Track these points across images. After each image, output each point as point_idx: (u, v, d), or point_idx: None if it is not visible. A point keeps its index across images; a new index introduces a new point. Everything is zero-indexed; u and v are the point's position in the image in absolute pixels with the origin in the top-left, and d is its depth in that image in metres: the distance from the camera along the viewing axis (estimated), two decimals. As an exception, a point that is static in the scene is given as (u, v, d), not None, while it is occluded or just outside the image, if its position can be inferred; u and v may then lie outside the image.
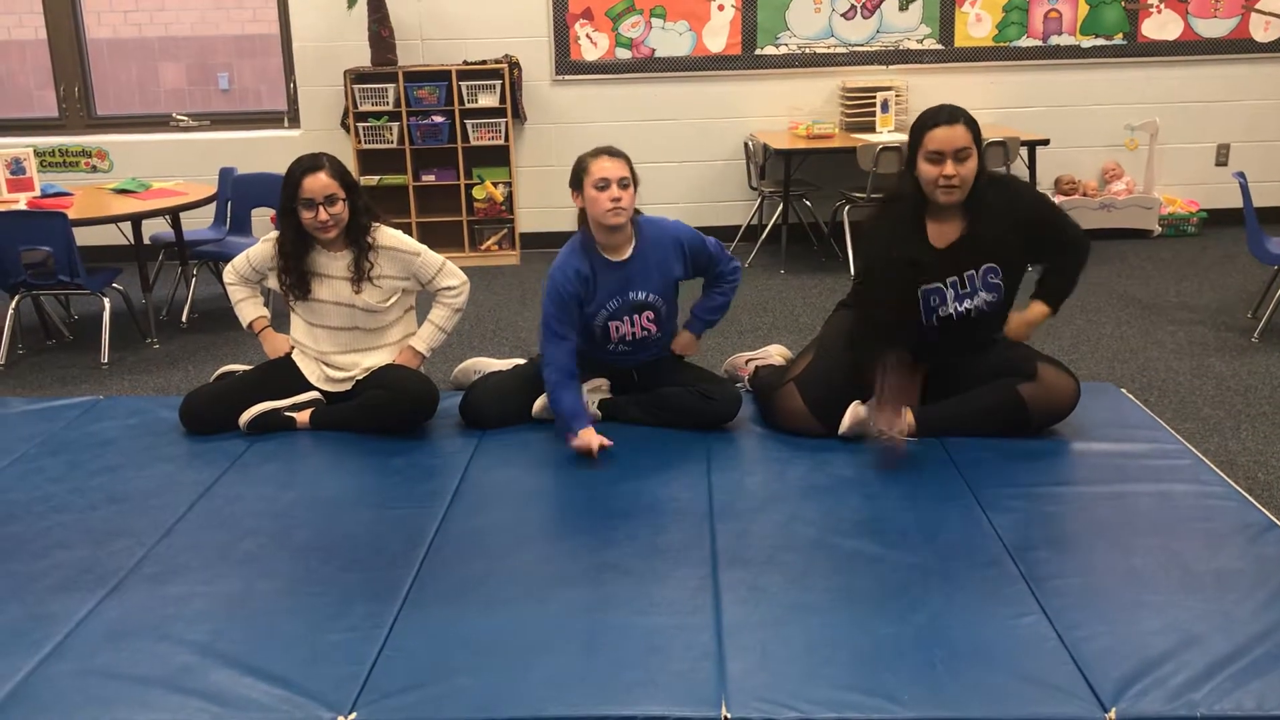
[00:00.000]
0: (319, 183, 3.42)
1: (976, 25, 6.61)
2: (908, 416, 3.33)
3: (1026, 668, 2.21)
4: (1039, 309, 3.42)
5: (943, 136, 3.16)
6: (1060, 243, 3.37)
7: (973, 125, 3.20)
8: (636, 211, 3.50)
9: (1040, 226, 3.32)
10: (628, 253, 3.44)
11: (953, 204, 3.22)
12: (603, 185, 3.33)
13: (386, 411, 3.49)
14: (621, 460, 3.28)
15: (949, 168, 3.16)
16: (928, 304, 3.30)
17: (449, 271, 3.65)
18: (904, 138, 3.50)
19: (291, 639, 2.37)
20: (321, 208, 3.42)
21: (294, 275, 3.55)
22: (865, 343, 3.30)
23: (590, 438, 3.27)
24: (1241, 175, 4.73)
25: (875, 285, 3.32)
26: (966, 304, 3.30)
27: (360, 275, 3.52)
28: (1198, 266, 5.97)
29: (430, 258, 3.62)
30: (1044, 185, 6.64)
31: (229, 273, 3.74)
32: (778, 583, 2.56)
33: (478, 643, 2.34)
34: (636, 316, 3.47)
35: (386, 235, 3.58)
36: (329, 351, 3.62)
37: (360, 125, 6.38)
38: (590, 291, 3.42)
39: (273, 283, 3.65)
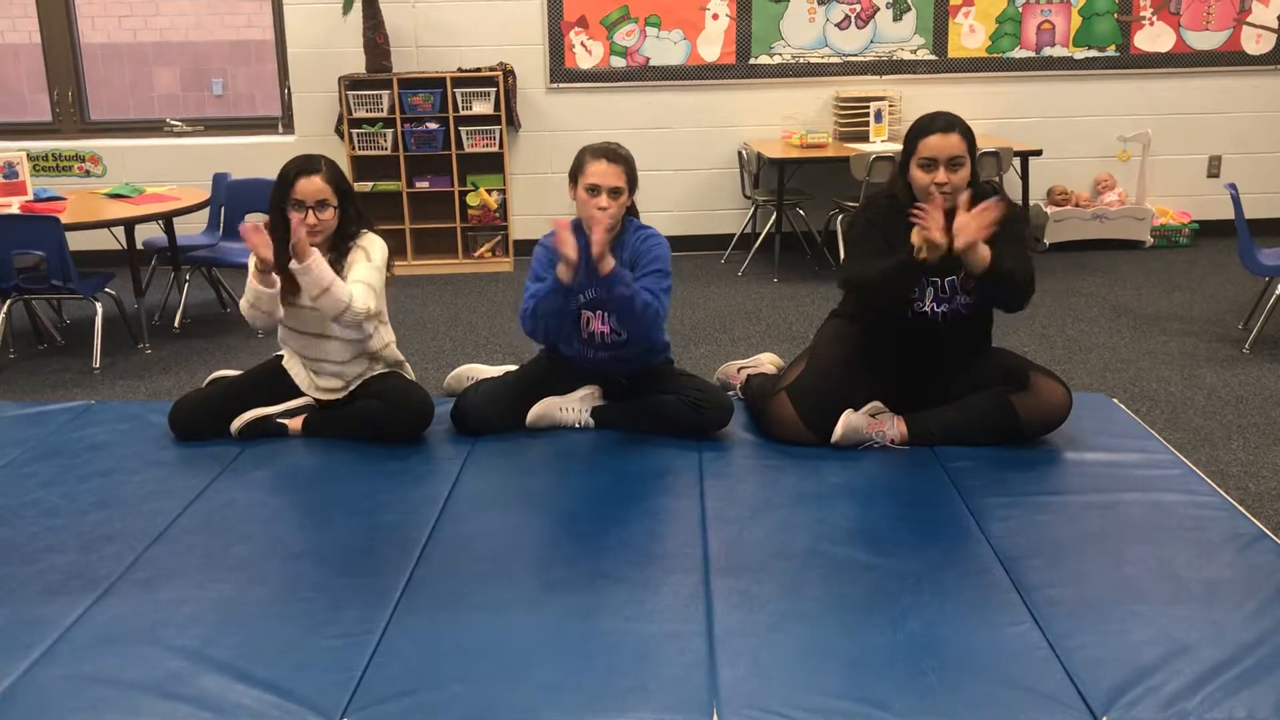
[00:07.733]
0: (313, 186, 3.33)
1: (970, 36, 6.63)
2: (900, 426, 3.35)
3: (1018, 676, 2.21)
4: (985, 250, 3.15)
5: (936, 144, 3.17)
6: (1014, 252, 3.23)
7: (968, 134, 3.21)
8: (637, 217, 3.50)
9: (1014, 234, 3.28)
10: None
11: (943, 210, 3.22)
12: (593, 191, 3.33)
13: (381, 422, 3.46)
14: (614, 468, 3.28)
15: (941, 175, 3.17)
16: (908, 295, 3.30)
17: (366, 293, 3.36)
18: (897, 147, 3.51)
19: (282, 645, 2.37)
20: (311, 211, 3.32)
21: (280, 274, 3.41)
22: (868, 275, 3.27)
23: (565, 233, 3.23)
24: (1233, 187, 4.74)
25: (865, 255, 3.30)
26: (945, 307, 3.31)
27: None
28: (1189, 278, 5.99)
29: (367, 267, 3.40)
30: (1036, 196, 6.66)
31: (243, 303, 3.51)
32: (770, 591, 2.56)
33: (470, 649, 2.34)
34: (609, 316, 3.45)
35: (369, 237, 3.49)
36: (314, 359, 3.56)
37: (354, 131, 6.38)
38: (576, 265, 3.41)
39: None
